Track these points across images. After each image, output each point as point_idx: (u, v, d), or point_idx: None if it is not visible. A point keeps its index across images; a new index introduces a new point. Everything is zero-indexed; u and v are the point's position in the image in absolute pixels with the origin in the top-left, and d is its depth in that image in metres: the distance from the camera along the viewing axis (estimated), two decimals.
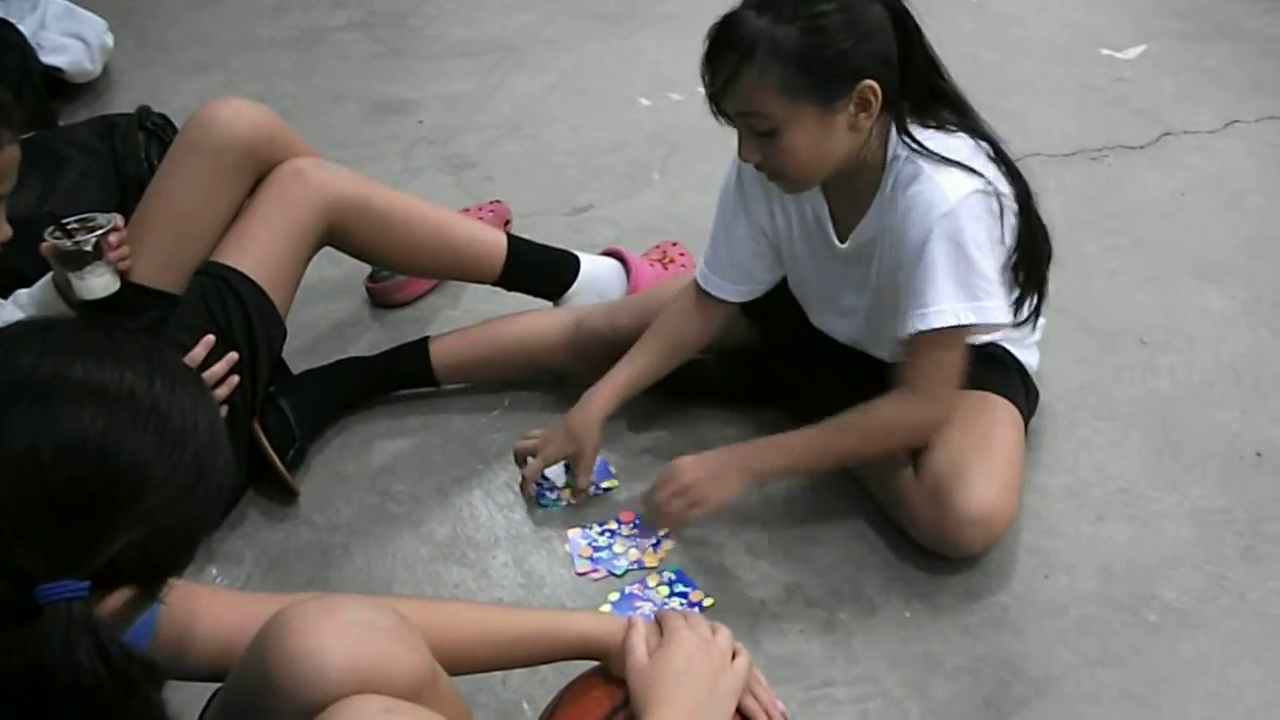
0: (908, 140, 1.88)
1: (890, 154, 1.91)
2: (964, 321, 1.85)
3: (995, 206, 1.87)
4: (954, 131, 1.91)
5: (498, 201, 2.94)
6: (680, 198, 3.05)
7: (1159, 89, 3.38)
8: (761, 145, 1.86)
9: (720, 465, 2.04)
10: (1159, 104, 3.30)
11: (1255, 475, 2.22)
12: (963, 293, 1.84)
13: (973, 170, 1.86)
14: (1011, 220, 1.92)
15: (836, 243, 2.04)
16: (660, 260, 2.65)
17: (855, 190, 1.97)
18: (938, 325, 1.85)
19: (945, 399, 1.96)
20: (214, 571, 2.15)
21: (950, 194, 1.83)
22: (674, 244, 2.71)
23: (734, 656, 1.50)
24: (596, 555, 2.14)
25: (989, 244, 1.87)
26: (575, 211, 3.05)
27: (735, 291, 2.21)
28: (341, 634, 1.25)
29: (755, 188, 2.11)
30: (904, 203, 1.88)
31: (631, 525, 2.19)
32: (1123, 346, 2.51)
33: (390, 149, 3.36)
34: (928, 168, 1.86)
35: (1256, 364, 2.46)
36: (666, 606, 2.02)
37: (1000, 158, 1.93)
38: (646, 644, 1.47)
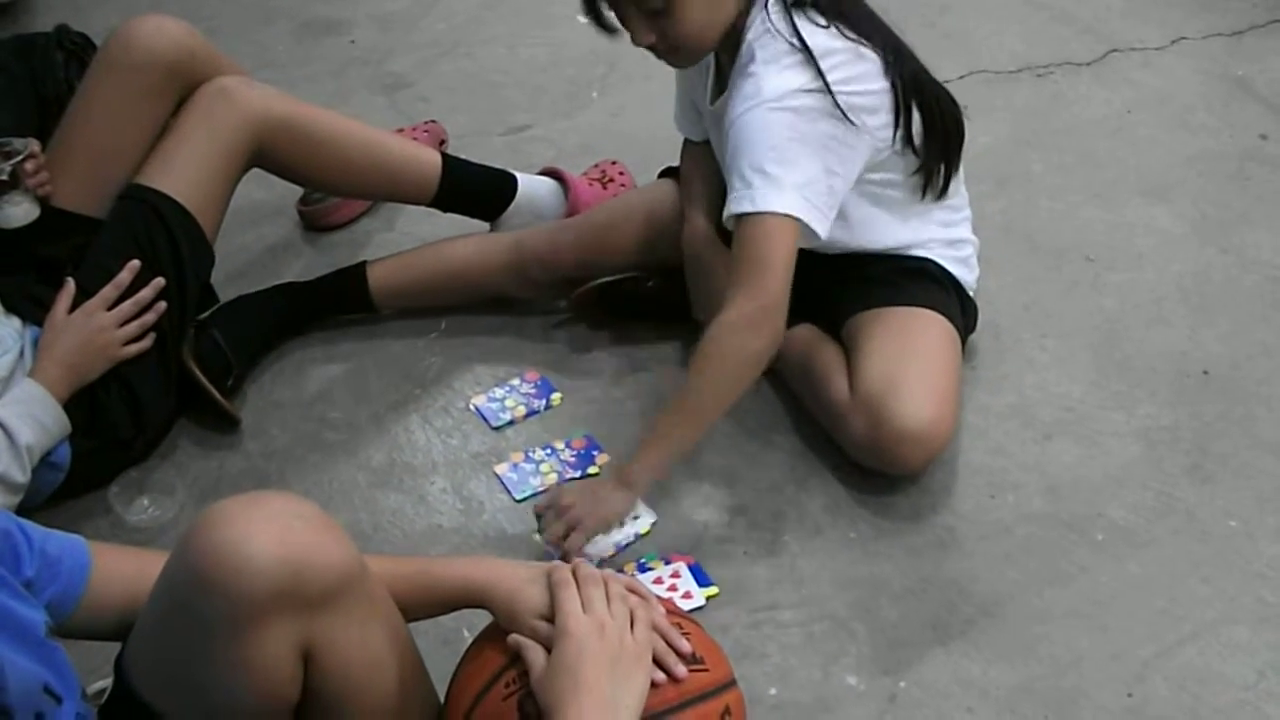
0: (767, 16, 1.89)
1: (747, 33, 1.92)
2: (746, 210, 1.85)
3: (828, 104, 1.86)
4: (825, 27, 1.89)
5: (433, 122, 2.86)
6: (620, 116, 2.99)
7: (1105, 6, 3.33)
8: (655, 24, 1.88)
9: (595, 485, 1.97)
10: (1106, 21, 3.26)
11: (1202, 393, 2.21)
12: (757, 181, 1.85)
13: (813, 65, 1.85)
14: (883, 118, 1.93)
15: (708, 104, 2.10)
16: (599, 179, 2.59)
17: (726, 64, 2.00)
18: (734, 211, 1.87)
19: (761, 290, 1.84)
20: (145, 502, 2.10)
21: (767, 88, 1.86)
22: (613, 163, 2.65)
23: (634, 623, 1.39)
24: (521, 466, 2.15)
25: (806, 141, 1.86)
26: (512, 131, 2.98)
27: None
28: (268, 523, 1.24)
29: None
30: (735, 86, 1.92)
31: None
32: (1069, 264, 2.49)
33: (322, 69, 3.27)
34: (762, 56, 1.88)
35: (1203, 282, 2.44)
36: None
37: (883, 46, 1.92)
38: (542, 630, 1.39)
